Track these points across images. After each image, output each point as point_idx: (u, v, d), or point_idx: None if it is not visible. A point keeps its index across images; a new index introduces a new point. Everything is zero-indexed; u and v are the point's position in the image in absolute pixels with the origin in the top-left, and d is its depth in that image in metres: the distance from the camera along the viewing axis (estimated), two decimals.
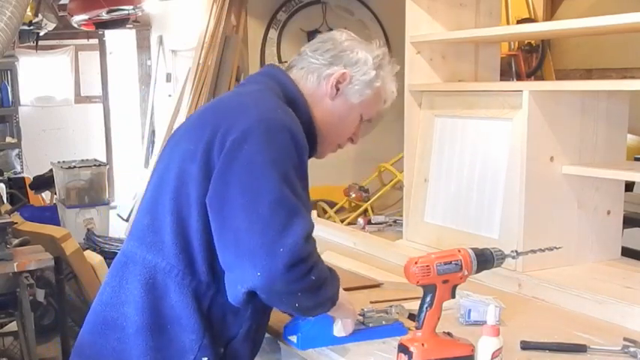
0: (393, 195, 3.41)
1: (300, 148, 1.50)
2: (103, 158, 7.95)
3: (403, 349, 1.49)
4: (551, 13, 4.71)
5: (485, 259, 1.54)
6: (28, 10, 5.25)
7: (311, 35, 4.80)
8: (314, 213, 3.11)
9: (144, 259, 1.55)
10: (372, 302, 1.93)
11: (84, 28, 7.01)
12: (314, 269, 1.43)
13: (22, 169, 7.36)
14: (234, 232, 1.42)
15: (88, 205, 6.15)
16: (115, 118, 8.83)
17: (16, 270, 3.17)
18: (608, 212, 2.23)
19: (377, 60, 1.68)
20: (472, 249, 1.54)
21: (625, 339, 1.64)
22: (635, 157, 3.40)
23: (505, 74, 4.47)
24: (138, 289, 1.54)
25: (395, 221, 3.00)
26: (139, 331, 1.52)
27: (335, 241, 2.74)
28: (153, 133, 7.33)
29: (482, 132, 2.30)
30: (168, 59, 7.07)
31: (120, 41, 8.37)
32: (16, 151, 7.44)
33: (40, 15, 6.04)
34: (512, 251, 1.60)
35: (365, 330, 1.69)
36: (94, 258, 4.27)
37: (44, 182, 6.54)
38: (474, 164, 2.31)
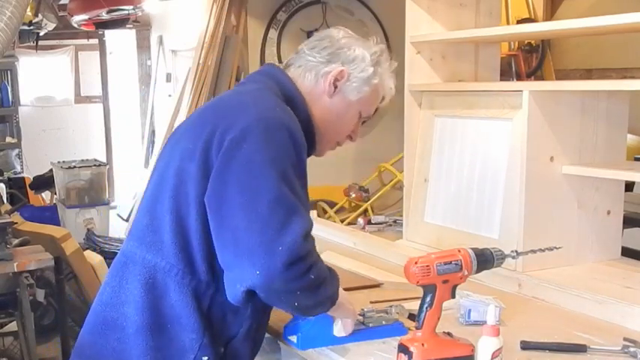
0: (393, 195, 3.41)
1: (299, 147, 1.50)
2: (103, 158, 7.95)
3: (403, 349, 1.49)
4: (551, 13, 4.71)
5: (485, 259, 1.54)
6: (28, 10, 5.25)
7: (311, 35, 4.79)
8: (314, 213, 3.11)
9: (143, 258, 1.55)
10: (372, 302, 1.93)
11: (84, 28, 7.01)
12: (313, 268, 1.43)
13: (22, 169, 7.36)
14: (233, 232, 1.42)
15: (88, 205, 6.15)
16: (115, 118, 8.83)
17: (16, 270, 3.17)
18: (608, 212, 2.23)
19: (374, 57, 1.68)
20: (472, 249, 1.54)
21: (625, 339, 1.64)
22: (635, 157, 3.40)
23: (505, 74, 4.47)
24: (138, 289, 1.54)
25: (395, 221, 3.00)
26: (139, 330, 1.52)
27: (335, 241, 2.74)
28: (153, 133, 7.33)
29: (482, 132, 2.30)
30: (168, 59, 7.07)
31: (120, 41, 8.37)
32: (16, 151, 7.44)
33: (40, 15, 6.04)
34: (512, 251, 1.60)
35: (365, 330, 1.69)
36: (94, 258, 4.27)
37: (44, 182, 6.54)
38: (473, 164, 2.31)
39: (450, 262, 1.49)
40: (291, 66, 1.71)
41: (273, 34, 5.01)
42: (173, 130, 1.91)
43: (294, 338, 1.68)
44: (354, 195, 3.48)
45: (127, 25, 6.91)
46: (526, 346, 1.63)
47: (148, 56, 7.78)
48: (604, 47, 4.20)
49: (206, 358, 1.51)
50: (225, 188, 1.44)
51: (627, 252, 2.32)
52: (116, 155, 8.77)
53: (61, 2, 6.70)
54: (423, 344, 1.47)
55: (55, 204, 6.39)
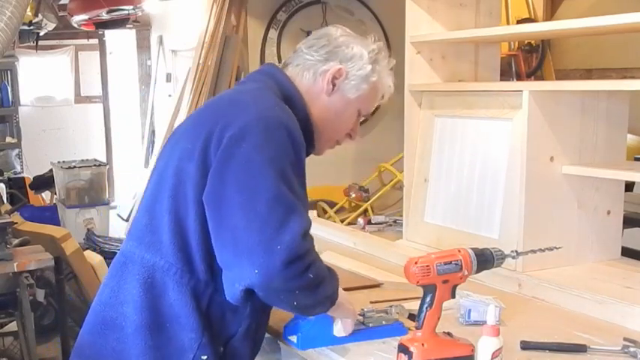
0: (393, 195, 3.41)
1: (298, 146, 1.50)
2: (103, 158, 7.95)
3: (403, 349, 1.49)
4: (551, 13, 4.71)
5: (485, 259, 1.54)
6: (28, 10, 5.25)
7: None
8: (314, 213, 3.11)
9: (142, 258, 1.55)
10: (372, 302, 1.93)
11: (84, 28, 7.01)
12: (312, 267, 1.43)
13: (22, 169, 7.36)
14: (232, 231, 1.42)
15: (88, 205, 6.14)
16: (115, 118, 8.83)
17: (16, 270, 3.17)
18: (608, 212, 2.23)
19: (372, 54, 1.68)
20: (472, 249, 1.53)
21: (625, 339, 1.64)
22: (635, 157, 3.40)
23: (505, 74, 4.47)
24: (136, 289, 1.54)
25: (395, 221, 3.00)
26: (138, 330, 1.52)
27: (335, 241, 2.74)
28: (153, 133, 7.32)
29: (482, 132, 2.30)
30: (168, 59, 7.07)
31: (120, 41, 8.37)
32: (16, 151, 7.44)
33: (40, 15, 6.04)
34: (512, 251, 1.60)
35: (365, 330, 1.69)
36: (94, 258, 4.27)
37: (44, 182, 6.54)
38: (473, 164, 2.31)
39: (450, 262, 1.49)
40: (290, 65, 1.71)
41: (273, 34, 5.01)
42: (173, 130, 1.91)
43: (294, 338, 1.67)
44: (354, 195, 3.48)
45: (127, 25, 6.91)
46: (526, 346, 1.63)
47: (148, 56, 7.78)
48: (604, 47, 4.20)
49: (205, 357, 1.51)
50: (224, 187, 1.44)
51: (627, 252, 2.32)
52: (116, 155, 8.77)
53: (61, 2, 6.70)
54: (423, 344, 1.47)
55: (55, 204, 6.39)
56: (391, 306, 1.76)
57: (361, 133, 1.81)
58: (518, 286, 2.07)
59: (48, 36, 6.97)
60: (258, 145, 1.45)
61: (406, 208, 2.58)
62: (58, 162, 6.35)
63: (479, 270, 1.53)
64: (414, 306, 1.61)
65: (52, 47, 8.47)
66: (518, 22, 4.59)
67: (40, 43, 7.00)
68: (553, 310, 1.93)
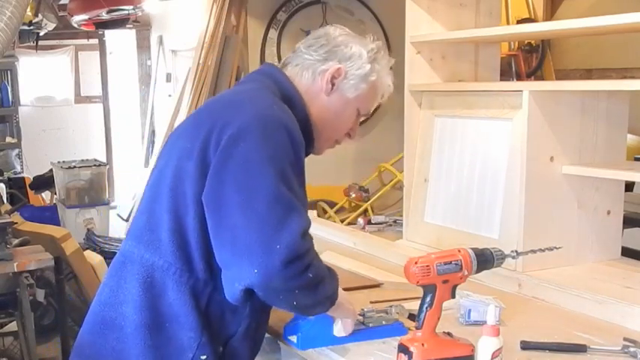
0: (393, 195, 3.41)
1: (297, 145, 1.50)
2: (103, 158, 7.95)
3: (403, 349, 1.48)
4: (551, 13, 4.71)
5: (485, 259, 1.54)
6: (28, 10, 5.25)
7: None
8: (314, 213, 3.11)
9: (141, 257, 1.55)
10: (372, 302, 1.93)
11: (84, 28, 7.01)
12: (311, 266, 1.42)
13: (22, 169, 7.36)
14: (231, 230, 1.42)
15: (88, 205, 6.14)
16: (115, 118, 8.83)
17: (16, 270, 3.17)
18: (608, 212, 2.23)
19: (371, 54, 1.68)
20: (472, 249, 1.53)
21: (625, 339, 1.64)
22: (635, 157, 3.40)
23: (505, 74, 4.47)
24: (136, 288, 1.53)
25: (395, 221, 3.00)
26: (138, 329, 1.52)
27: (335, 241, 2.74)
28: (153, 133, 7.33)
29: (482, 132, 2.30)
30: (168, 59, 7.07)
31: (120, 41, 8.37)
32: (16, 151, 7.44)
33: (40, 15, 6.04)
34: (512, 251, 1.60)
35: (365, 330, 1.69)
36: (94, 258, 4.27)
37: (44, 182, 6.54)
38: (473, 164, 2.31)
39: (450, 262, 1.49)
40: (289, 65, 1.71)
41: (273, 34, 5.01)
42: (173, 129, 1.91)
43: (294, 338, 1.67)
44: (354, 195, 3.48)
45: (127, 25, 6.92)
46: (526, 346, 1.63)
47: (148, 56, 7.79)
48: (604, 47, 4.20)
49: (205, 356, 1.51)
50: (223, 187, 1.44)
51: (627, 252, 2.32)
52: (116, 155, 8.77)
53: (61, 2, 6.71)
54: (423, 344, 1.47)
55: (55, 204, 6.39)
56: (391, 306, 1.76)
57: (361, 133, 1.81)
58: (518, 286, 2.07)
59: (48, 36, 6.98)
60: (256, 145, 1.45)
61: (406, 208, 2.58)
62: (58, 162, 6.35)
63: (479, 270, 1.53)
64: (414, 306, 1.61)
65: (52, 47, 8.47)
66: (518, 22, 4.59)
67: (40, 43, 7.00)
68: (553, 310, 1.93)
